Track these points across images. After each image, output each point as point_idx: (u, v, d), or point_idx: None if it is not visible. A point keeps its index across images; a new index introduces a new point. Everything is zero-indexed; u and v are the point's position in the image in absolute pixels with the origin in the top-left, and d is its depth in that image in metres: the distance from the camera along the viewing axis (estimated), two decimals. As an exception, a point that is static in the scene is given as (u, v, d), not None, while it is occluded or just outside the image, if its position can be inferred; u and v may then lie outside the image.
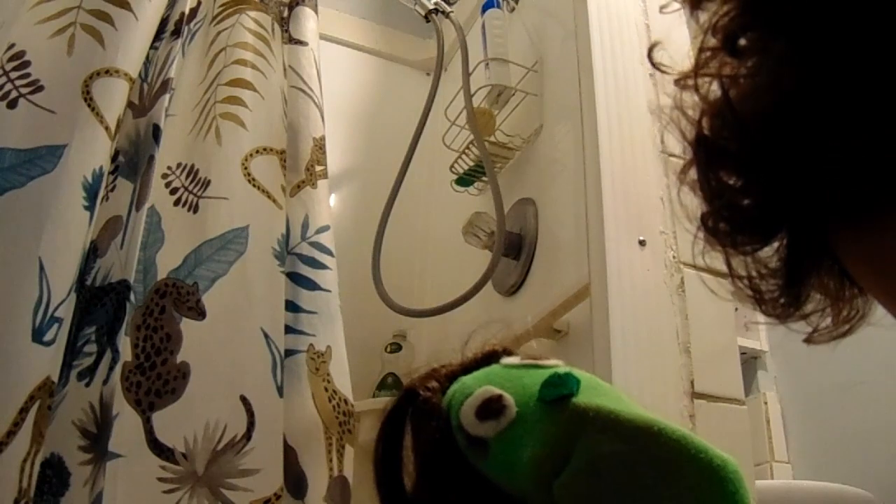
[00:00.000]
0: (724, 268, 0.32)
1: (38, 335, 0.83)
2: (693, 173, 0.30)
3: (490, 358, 0.53)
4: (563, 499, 0.42)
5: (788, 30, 0.26)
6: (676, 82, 0.30)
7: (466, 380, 0.51)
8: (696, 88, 0.29)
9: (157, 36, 1.11)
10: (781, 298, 0.31)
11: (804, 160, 0.26)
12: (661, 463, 0.41)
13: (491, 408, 0.46)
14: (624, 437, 0.42)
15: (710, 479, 0.40)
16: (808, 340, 0.32)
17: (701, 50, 0.29)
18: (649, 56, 0.37)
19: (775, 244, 0.30)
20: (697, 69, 0.29)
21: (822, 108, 0.25)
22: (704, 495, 0.40)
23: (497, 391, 0.47)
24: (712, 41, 0.28)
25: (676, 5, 0.32)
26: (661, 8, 0.95)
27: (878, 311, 0.31)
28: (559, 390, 0.46)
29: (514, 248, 1.20)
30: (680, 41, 1.21)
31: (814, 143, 0.25)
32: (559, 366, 0.50)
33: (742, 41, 0.28)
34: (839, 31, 0.25)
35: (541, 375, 0.48)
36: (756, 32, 0.27)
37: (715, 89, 0.29)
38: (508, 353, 0.53)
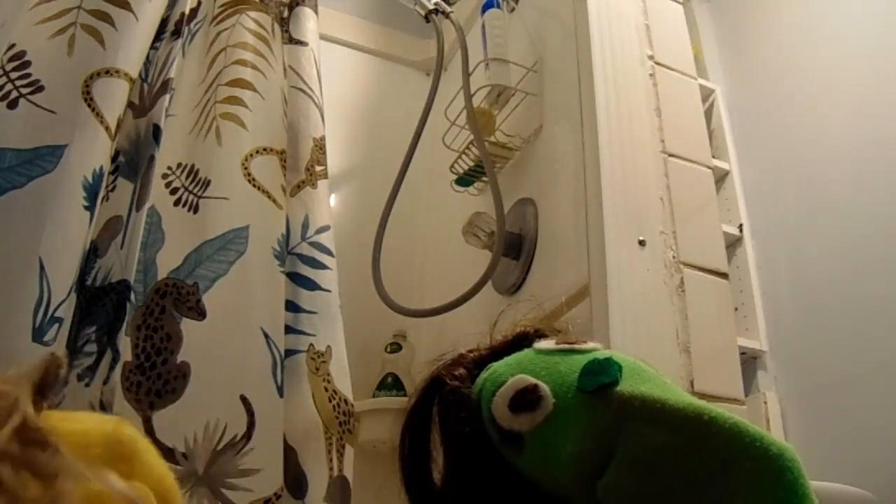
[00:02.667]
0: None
1: (38, 335, 0.83)
2: None
3: (521, 341, 0.48)
4: (609, 500, 0.39)
5: None
6: None
7: (497, 366, 0.46)
8: None
9: (158, 36, 1.11)
10: None
11: None
12: (714, 455, 0.37)
13: (525, 399, 0.42)
14: (672, 427, 0.38)
15: (768, 469, 0.36)
16: None
17: None
18: None
19: None
20: None
21: None
22: (762, 487, 0.36)
23: (532, 380, 0.43)
24: None
25: None
26: None
27: None
28: (600, 379, 0.41)
29: (514, 248, 1.20)
30: (680, 41, 1.21)
31: None
32: (598, 349, 0.46)
33: None
34: None
35: (579, 362, 0.43)
36: None
37: None
38: (541, 335, 0.49)
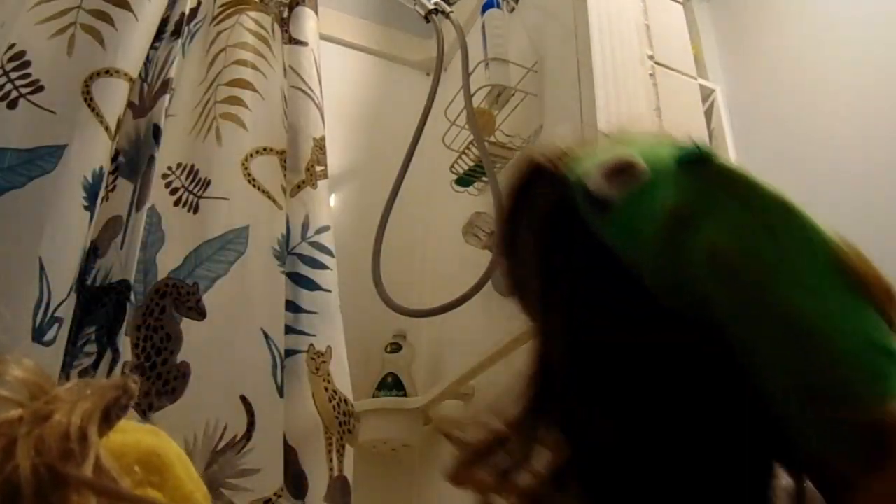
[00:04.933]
0: None
1: (38, 335, 0.83)
2: None
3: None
4: (712, 260, 0.40)
5: None
6: None
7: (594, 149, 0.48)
8: None
9: (158, 36, 1.11)
10: None
11: None
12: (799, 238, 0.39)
13: (621, 169, 0.43)
14: (761, 206, 0.39)
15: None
16: None
17: None
18: None
19: None
20: None
21: None
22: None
23: (630, 154, 0.44)
24: None
25: None
26: None
27: None
28: (698, 152, 0.42)
29: (514, 248, 1.20)
30: (680, 41, 1.21)
31: None
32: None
33: None
34: None
35: (678, 147, 0.45)
36: None
37: None
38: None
